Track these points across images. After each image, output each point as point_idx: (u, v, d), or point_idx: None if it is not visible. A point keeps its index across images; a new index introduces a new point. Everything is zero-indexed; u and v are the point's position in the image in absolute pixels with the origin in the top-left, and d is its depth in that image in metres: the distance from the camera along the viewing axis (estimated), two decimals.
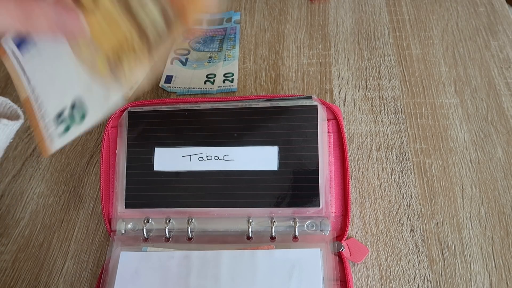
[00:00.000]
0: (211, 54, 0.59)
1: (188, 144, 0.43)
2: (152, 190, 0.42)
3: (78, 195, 0.49)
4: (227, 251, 0.39)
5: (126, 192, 0.42)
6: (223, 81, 0.56)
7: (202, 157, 0.42)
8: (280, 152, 0.41)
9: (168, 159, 0.42)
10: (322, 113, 0.42)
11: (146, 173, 0.42)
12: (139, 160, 0.43)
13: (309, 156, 0.41)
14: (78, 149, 0.52)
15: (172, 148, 0.43)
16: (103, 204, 0.44)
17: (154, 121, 0.43)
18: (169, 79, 0.57)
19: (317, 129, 0.41)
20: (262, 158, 0.41)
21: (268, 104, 0.43)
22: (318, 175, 0.40)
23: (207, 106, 0.44)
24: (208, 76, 0.57)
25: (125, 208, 0.42)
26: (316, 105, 0.42)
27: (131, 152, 0.43)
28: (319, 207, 0.40)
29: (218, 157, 0.42)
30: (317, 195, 0.40)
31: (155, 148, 0.43)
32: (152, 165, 0.42)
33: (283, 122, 0.42)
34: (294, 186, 0.41)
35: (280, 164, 0.41)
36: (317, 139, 0.41)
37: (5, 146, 0.37)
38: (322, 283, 0.37)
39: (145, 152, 0.43)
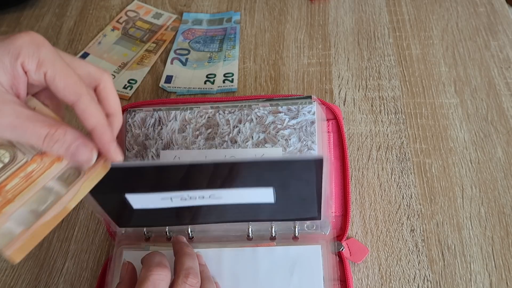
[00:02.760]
0: (211, 54, 0.59)
1: (165, 190, 0.34)
2: (139, 218, 0.38)
3: None
4: (228, 248, 0.39)
5: (113, 221, 0.39)
6: (223, 81, 0.56)
7: (184, 197, 0.35)
8: (276, 191, 0.34)
9: (145, 201, 0.35)
10: (321, 113, 0.42)
11: (126, 210, 0.37)
12: (112, 202, 0.36)
13: (309, 194, 0.35)
14: None
15: (147, 194, 0.35)
16: None
17: (116, 176, 0.32)
18: (169, 79, 0.57)
19: (321, 183, 0.34)
20: (255, 195, 0.35)
21: (260, 158, 0.35)
22: (320, 207, 0.36)
23: (181, 163, 0.33)
24: (208, 76, 0.57)
25: (119, 227, 0.40)
26: (321, 159, 0.31)
27: (100, 199, 0.35)
28: (320, 219, 0.39)
29: (203, 196, 0.35)
30: (319, 217, 0.38)
31: (126, 195, 0.34)
32: (130, 205, 0.36)
33: (279, 171, 0.33)
34: (294, 212, 0.38)
35: (277, 198, 0.35)
36: (321, 187, 0.34)
37: None
38: (323, 279, 0.37)
39: (116, 197, 0.35)
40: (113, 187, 0.34)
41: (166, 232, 0.41)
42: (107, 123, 0.30)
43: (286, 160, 0.32)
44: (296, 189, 0.35)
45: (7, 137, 0.28)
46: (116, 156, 0.30)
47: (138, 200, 0.35)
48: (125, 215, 0.38)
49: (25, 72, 0.29)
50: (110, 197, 0.35)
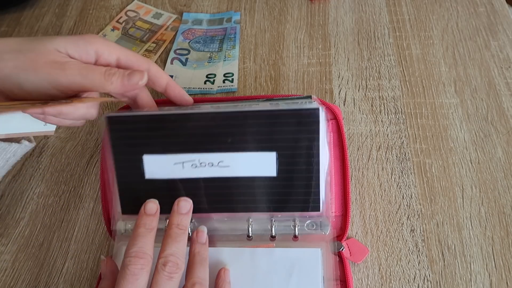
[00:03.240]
0: (211, 54, 0.59)
1: (179, 151, 0.39)
2: (146, 197, 0.40)
3: (78, 195, 0.49)
4: (227, 248, 0.39)
5: (120, 201, 0.41)
6: (223, 81, 0.56)
7: (195, 164, 0.39)
8: (278, 158, 0.39)
9: (159, 166, 0.40)
10: (323, 116, 0.42)
11: (137, 182, 0.40)
12: (128, 168, 0.40)
13: (310, 162, 0.39)
14: (78, 149, 0.52)
15: (162, 155, 0.39)
16: (103, 204, 0.44)
17: (139, 126, 0.40)
18: None
19: (319, 134, 0.39)
20: (260, 164, 0.39)
21: (267, 104, 0.41)
22: (319, 181, 0.39)
23: (198, 110, 0.40)
24: (208, 76, 0.57)
25: (122, 214, 0.41)
26: (318, 108, 0.38)
27: (118, 160, 0.40)
28: (319, 211, 0.40)
29: (212, 163, 0.39)
30: (318, 200, 0.39)
31: (144, 156, 0.39)
32: (143, 173, 0.40)
33: (281, 127, 0.39)
34: (294, 192, 0.40)
35: (279, 170, 0.39)
36: (319, 144, 0.39)
37: (14, 163, 0.48)
38: (322, 283, 0.37)
39: (133, 160, 0.40)
40: (133, 146, 0.40)
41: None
42: (173, 80, 0.41)
43: (285, 109, 0.39)
44: (296, 155, 0.39)
45: (77, 80, 0.36)
46: (189, 99, 0.42)
47: (153, 165, 0.39)
48: (133, 191, 0.40)
49: (97, 58, 0.38)
50: (128, 162, 0.40)
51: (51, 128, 0.43)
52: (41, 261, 0.45)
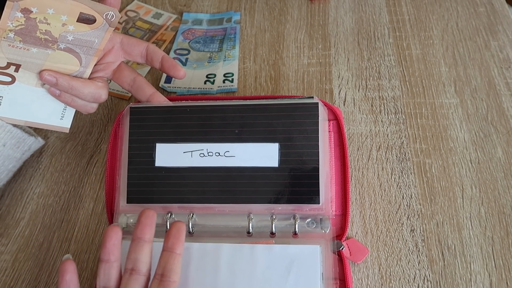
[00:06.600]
0: (211, 54, 0.59)
1: (189, 140, 0.43)
2: (153, 185, 0.42)
3: (78, 195, 0.49)
4: (227, 244, 0.39)
5: (127, 187, 0.43)
6: (223, 81, 0.56)
7: (203, 153, 0.42)
8: (281, 149, 0.41)
9: (169, 155, 0.43)
10: (323, 112, 0.42)
11: (147, 169, 0.43)
12: (141, 155, 0.43)
13: (309, 154, 0.41)
14: (78, 149, 0.52)
15: (173, 144, 0.43)
16: (107, 198, 0.44)
17: (156, 117, 0.44)
18: (169, 79, 0.57)
19: (318, 126, 0.41)
20: (263, 154, 0.42)
21: (269, 101, 0.43)
22: (318, 172, 0.41)
23: (209, 103, 0.44)
24: (208, 76, 0.57)
25: (127, 203, 0.42)
26: (317, 103, 0.42)
27: (132, 148, 0.43)
28: (319, 204, 0.40)
29: (219, 153, 0.42)
30: (317, 192, 0.40)
31: (157, 144, 0.43)
32: (154, 161, 0.43)
33: (284, 119, 0.42)
34: (294, 183, 0.41)
35: (280, 161, 0.41)
36: (318, 136, 0.41)
37: (26, 159, 0.48)
38: (320, 280, 0.37)
39: (146, 147, 0.43)
40: (148, 134, 0.43)
41: (167, 226, 0.42)
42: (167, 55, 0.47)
43: (287, 103, 0.43)
44: (298, 147, 0.41)
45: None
46: (180, 71, 0.46)
47: (164, 153, 0.43)
48: (141, 179, 0.43)
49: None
50: (141, 150, 0.43)
51: (66, 125, 0.46)
52: (41, 261, 0.45)
